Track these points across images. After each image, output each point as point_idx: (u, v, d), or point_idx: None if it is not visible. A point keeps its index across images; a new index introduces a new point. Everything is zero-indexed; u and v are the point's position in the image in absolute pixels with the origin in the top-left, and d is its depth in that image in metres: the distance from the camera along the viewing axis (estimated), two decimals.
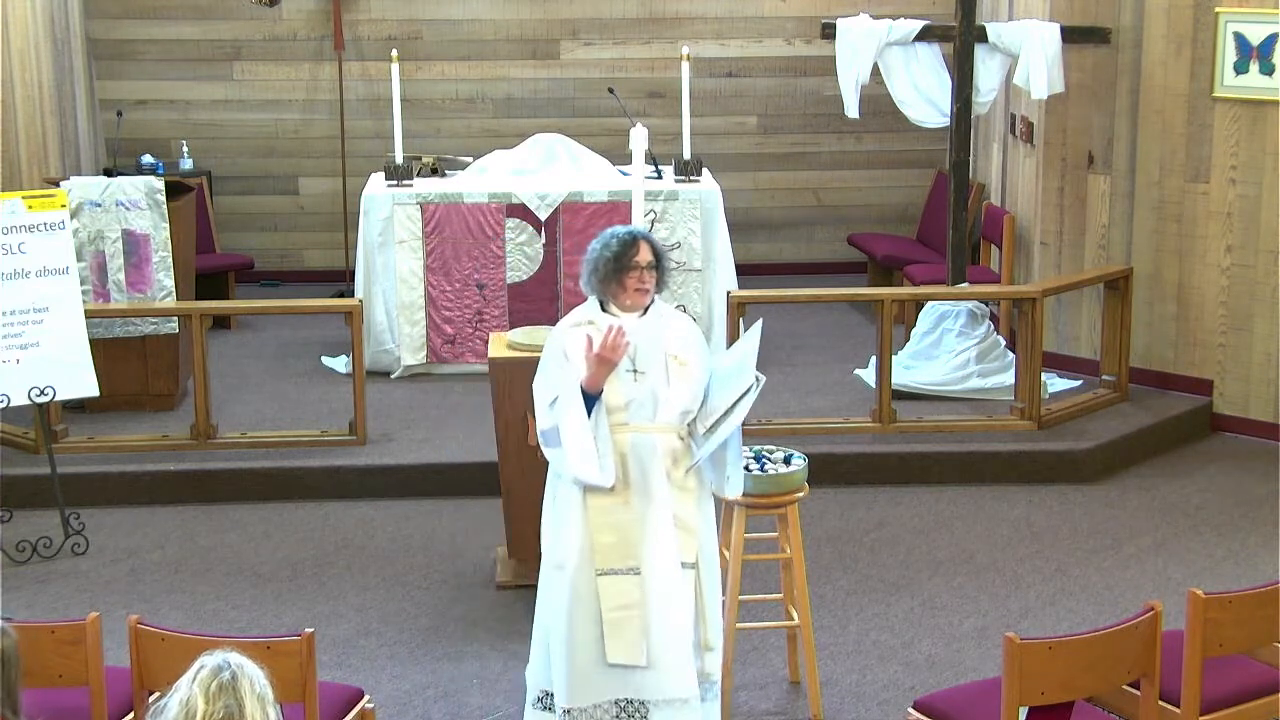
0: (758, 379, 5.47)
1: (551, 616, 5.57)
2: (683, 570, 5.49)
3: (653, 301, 5.58)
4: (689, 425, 5.53)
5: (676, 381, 5.48)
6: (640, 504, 5.45)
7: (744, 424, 5.52)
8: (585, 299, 5.63)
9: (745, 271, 10.44)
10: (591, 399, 5.39)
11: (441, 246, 9.83)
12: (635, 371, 5.46)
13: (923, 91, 9.22)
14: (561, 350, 5.49)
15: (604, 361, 5.35)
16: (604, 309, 5.54)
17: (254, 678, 3.75)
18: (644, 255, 5.48)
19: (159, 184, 9.08)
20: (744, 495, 6.05)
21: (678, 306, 9.72)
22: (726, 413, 5.44)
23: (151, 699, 5.02)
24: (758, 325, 5.57)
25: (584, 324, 5.52)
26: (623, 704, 5.50)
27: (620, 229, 5.57)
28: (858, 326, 10.73)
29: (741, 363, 5.52)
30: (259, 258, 11.81)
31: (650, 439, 5.46)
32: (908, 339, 9.67)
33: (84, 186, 9.01)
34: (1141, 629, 5.03)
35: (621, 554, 5.45)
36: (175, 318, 9.05)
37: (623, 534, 5.44)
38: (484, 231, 9.85)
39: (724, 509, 6.21)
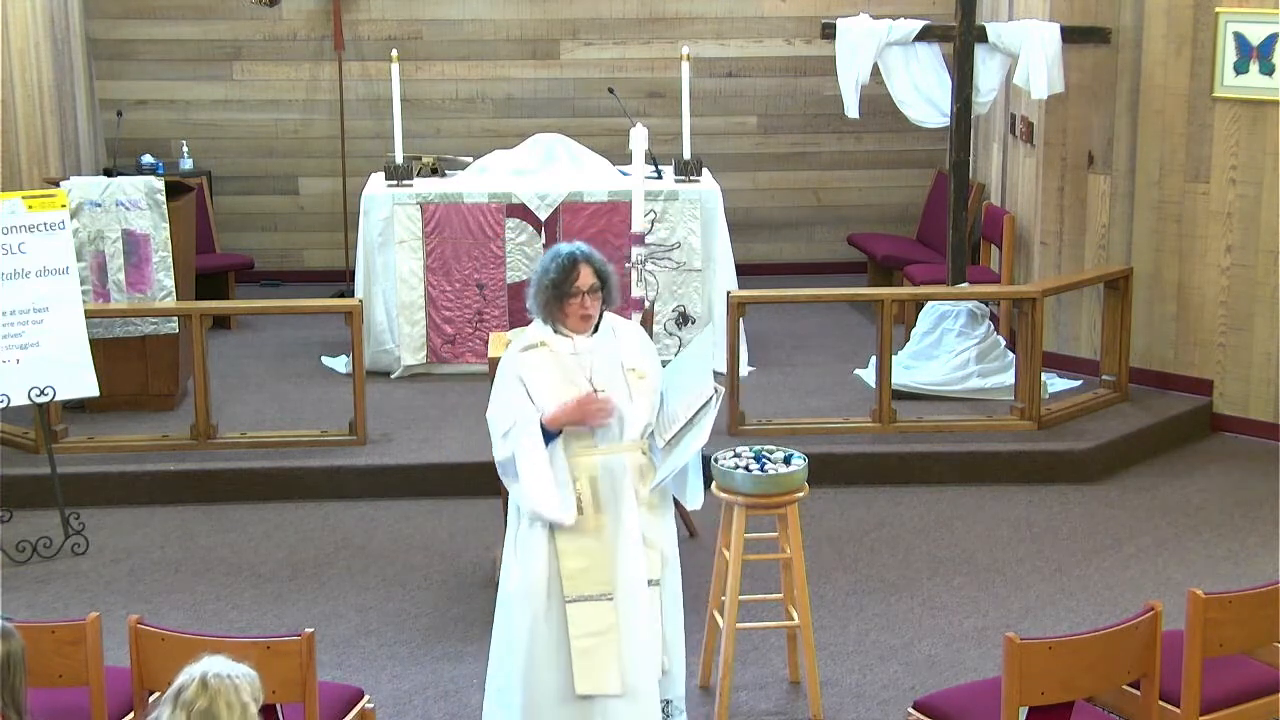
0: (716, 390, 5.38)
1: (510, 651, 5.44)
2: (648, 588, 5.41)
3: (601, 316, 5.46)
4: (648, 439, 5.48)
5: (639, 396, 5.40)
6: (612, 526, 5.36)
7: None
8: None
9: (745, 271, 10.43)
10: (550, 435, 5.30)
11: (441, 246, 9.83)
12: (597, 392, 5.36)
13: (923, 91, 9.22)
14: (517, 376, 5.36)
15: (582, 417, 5.29)
16: (555, 330, 5.43)
17: (235, 689, 3.86)
18: (585, 279, 5.33)
19: (159, 184, 9.08)
20: (744, 495, 6.06)
21: (677, 307, 9.75)
22: (688, 424, 5.35)
23: (152, 698, 5.02)
24: (709, 329, 5.52)
25: (536, 345, 5.41)
26: None
27: (563, 248, 5.40)
28: (858, 326, 10.72)
29: (696, 370, 5.43)
30: (259, 258, 11.81)
31: (620, 459, 5.40)
32: (908, 339, 9.67)
33: (84, 186, 9.01)
34: (1141, 629, 5.04)
35: (593, 579, 5.34)
36: (175, 318, 9.05)
37: (594, 559, 5.35)
38: (484, 231, 9.85)
39: (724, 509, 6.21)
